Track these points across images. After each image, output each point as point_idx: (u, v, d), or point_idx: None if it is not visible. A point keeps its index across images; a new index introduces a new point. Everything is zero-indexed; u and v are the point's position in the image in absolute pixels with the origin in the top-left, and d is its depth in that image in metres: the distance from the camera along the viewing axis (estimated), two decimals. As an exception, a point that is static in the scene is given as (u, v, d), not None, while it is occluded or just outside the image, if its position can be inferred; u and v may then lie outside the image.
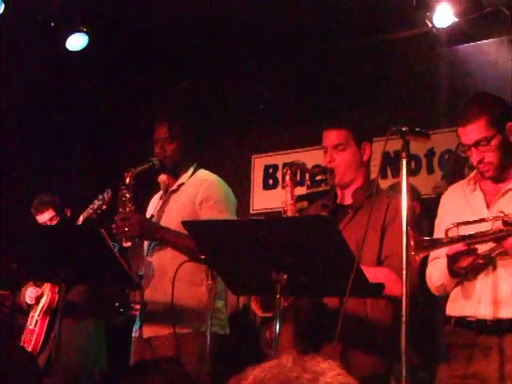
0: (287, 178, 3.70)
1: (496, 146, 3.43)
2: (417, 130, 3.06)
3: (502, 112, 3.49)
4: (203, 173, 4.38)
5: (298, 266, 3.09)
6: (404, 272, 2.90)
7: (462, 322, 3.49)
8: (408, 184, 3.00)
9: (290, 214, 3.61)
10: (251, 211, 6.94)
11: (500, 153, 3.44)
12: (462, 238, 3.30)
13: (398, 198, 3.69)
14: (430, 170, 6.00)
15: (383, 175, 6.16)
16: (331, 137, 3.79)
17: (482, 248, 3.41)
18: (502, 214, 3.28)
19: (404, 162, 2.98)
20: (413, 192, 5.03)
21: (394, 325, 3.21)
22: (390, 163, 6.11)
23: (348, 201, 3.81)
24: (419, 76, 6.23)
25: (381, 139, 3.17)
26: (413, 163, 6.13)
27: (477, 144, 3.43)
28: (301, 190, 5.71)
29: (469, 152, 3.49)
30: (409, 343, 3.88)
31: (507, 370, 3.36)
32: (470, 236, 3.30)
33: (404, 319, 2.86)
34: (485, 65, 5.93)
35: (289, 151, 6.81)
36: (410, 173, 5.99)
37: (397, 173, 6.19)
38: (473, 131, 3.43)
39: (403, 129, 2.98)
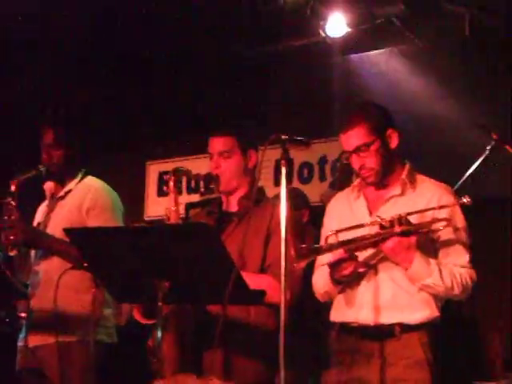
0: (171, 184, 3.68)
1: (376, 152, 3.49)
2: (296, 138, 3.08)
3: (382, 119, 3.56)
4: (91, 180, 4.33)
5: (179, 273, 3.08)
6: (282, 279, 2.93)
7: (346, 328, 3.54)
8: (287, 192, 3.01)
9: (172, 220, 3.59)
10: (145, 218, 6.89)
11: (380, 158, 3.51)
12: (341, 244, 3.35)
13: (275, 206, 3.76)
14: (322, 178, 6.07)
15: (277, 183, 6.20)
16: (217, 144, 3.81)
17: (363, 255, 3.47)
18: (379, 219, 3.34)
19: (283, 169, 2.99)
20: (301, 199, 5.09)
21: (278, 332, 3.23)
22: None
23: (233, 208, 3.83)
24: (312, 85, 6.29)
25: (273, 148, 3.17)
26: (305, 171, 6.21)
27: (357, 150, 3.49)
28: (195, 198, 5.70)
29: (350, 158, 3.55)
30: (295, 350, 3.92)
31: (388, 375, 3.41)
32: (349, 241, 3.35)
33: (282, 325, 2.88)
34: (375, 74, 6.03)
35: (184, 158, 6.79)
36: (304, 181, 6.20)
37: (289, 180, 6.26)
38: (353, 137, 3.49)
39: (282, 137, 3.00)
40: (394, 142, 3.54)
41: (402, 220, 3.33)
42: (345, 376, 3.48)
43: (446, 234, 3.50)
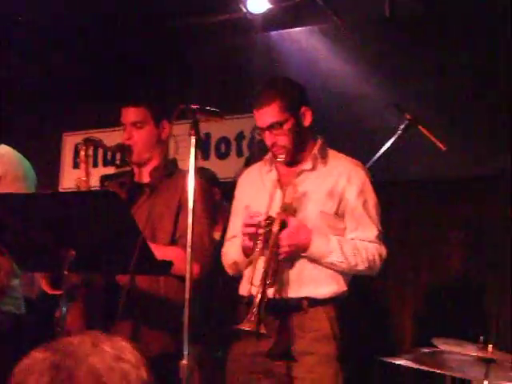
0: (82, 154, 3.64)
1: (289, 131, 3.50)
2: (207, 108, 3.06)
3: (297, 96, 3.56)
4: (3, 148, 4.23)
5: (86, 242, 3.04)
6: (188, 250, 2.91)
7: (253, 301, 3.54)
8: (197, 162, 2.99)
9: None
10: (60, 189, 6.79)
11: (292, 137, 3.51)
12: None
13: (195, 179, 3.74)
14: (240, 154, 6.06)
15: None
16: (129, 114, 3.77)
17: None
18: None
19: (193, 139, 2.97)
20: (211, 178, 5.07)
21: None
22: (201, 145, 6.10)
23: (145, 179, 3.79)
24: (233, 60, 6.27)
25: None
26: (223, 146, 6.20)
27: (270, 127, 3.49)
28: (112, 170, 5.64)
29: (263, 135, 3.55)
30: (206, 322, 3.92)
31: (295, 348, 3.45)
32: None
33: (187, 297, 2.87)
34: (296, 52, 6.03)
35: (102, 130, 6.69)
36: (221, 156, 6.19)
37: (207, 155, 6.25)
38: (266, 114, 3.49)
39: (193, 107, 2.97)
40: (307, 119, 3.56)
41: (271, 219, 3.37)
42: (251, 349, 3.49)
43: (355, 209, 3.54)
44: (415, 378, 5.19)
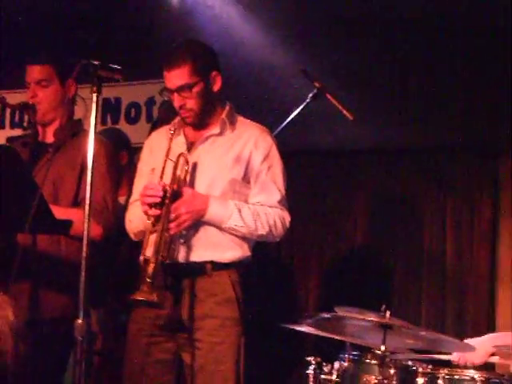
0: (-18, 112, 3.56)
1: (198, 94, 3.48)
2: (110, 65, 3.01)
3: (207, 60, 3.54)
4: None
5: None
6: (86, 212, 2.87)
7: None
8: (97, 119, 2.94)
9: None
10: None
11: (201, 100, 3.50)
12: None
13: (100, 142, 3.68)
14: (150, 119, 6.00)
15: (104, 122, 6.09)
16: (34, 72, 3.71)
17: None
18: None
19: (94, 96, 2.91)
20: (121, 140, 5.01)
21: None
22: (111, 110, 6.07)
23: (49, 139, 3.74)
24: (145, 25, 6.16)
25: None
26: (133, 111, 6.12)
27: (179, 89, 3.46)
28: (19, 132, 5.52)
29: (172, 96, 3.51)
30: (109, 286, 3.88)
31: (197, 312, 3.46)
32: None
33: (84, 257, 2.83)
34: (209, 18, 5.97)
35: (5, 91, 6.53)
36: (131, 121, 6.11)
37: (116, 120, 6.17)
38: (176, 76, 3.46)
39: (95, 63, 2.91)
40: (217, 84, 3.54)
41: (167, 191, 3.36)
42: (154, 312, 3.47)
43: (259, 173, 3.55)
44: (316, 345, 5.27)
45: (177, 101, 3.49)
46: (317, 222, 5.67)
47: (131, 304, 3.47)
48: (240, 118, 3.66)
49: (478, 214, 5.32)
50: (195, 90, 3.47)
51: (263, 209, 3.51)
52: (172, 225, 3.35)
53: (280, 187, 3.58)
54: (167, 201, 3.34)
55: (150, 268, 3.25)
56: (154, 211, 3.33)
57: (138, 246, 3.68)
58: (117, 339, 4.25)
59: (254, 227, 3.47)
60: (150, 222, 3.35)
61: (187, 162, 3.47)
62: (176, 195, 3.38)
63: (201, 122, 3.56)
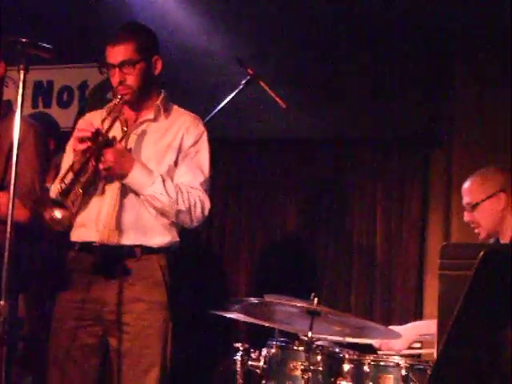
0: None
1: (139, 72, 3.53)
2: (39, 43, 2.97)
3: (152, 43, 3.63)
4: None
5: None
6: (11, 197, 2.84)
7: (86, 247, 3.52)
8: (27, 100, 2.89)
9: None
10: None
11: (141, 79, 3.54)
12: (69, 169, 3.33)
13: (29, 124, 3.64)
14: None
15: (35, 105, 6.00)
16: None
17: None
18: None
19: (21, 75, 2.86)
20: (48, 126, 4.93)
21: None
22: (43, 93, 5.99)
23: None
24: (79, 9, 6.08)
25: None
26: (65, 94, 6.04)
27: (122, 64, 3.50)
28: None
29: (111, 72, 3.53)
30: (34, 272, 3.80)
31: (126, 295, 3.46)
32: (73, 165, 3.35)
33: (8, 241, 2.78)
34: (145, 4, 5.92)
35: None
36: (63, 105, 6.03)
37: (48, 103, 6.08)
38: (120, 52, 3.50)
39: (23, 40, 2.87)
40: (157, 68, 3.61)
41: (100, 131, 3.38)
42: (80, 295, 3.48)
43: (186, 156, 3.59)
44: (247, 331, 5.28)
45: (117, 76, 3.51)
46: (248, 209, 5.68)
47: (64, 283, 3.50)
48: (175, 107, 3.71)
49: (408, 205, 5.38)
50: (137, 67, 3.52)
51: (186, 187, 3.54)
52: (95, 162, 3.35)
53: (205, 172, 3.62)
54: (98, 139, 3.34)
55: (63, 186, 3.24)
56: (82, 145, 3.32)
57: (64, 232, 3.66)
58: (42, 325, 4.19)
59: (174, 199, 3.47)
60: (76, 158, 3.35)
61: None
62: (108, 143, 3.39)
63: (137, 102, 3.58)
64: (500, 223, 3.79)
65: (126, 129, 3.53)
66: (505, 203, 3.78)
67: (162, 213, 3.49)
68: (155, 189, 3.45)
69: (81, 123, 3.42)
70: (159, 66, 3.61)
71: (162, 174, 3.51)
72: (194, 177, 3.58)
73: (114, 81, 3.54)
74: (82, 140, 3.34)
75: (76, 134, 3.40)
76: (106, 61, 3.55)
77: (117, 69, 3.50)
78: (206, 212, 3.58)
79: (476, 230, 3.86)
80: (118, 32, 3.57)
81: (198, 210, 3.54)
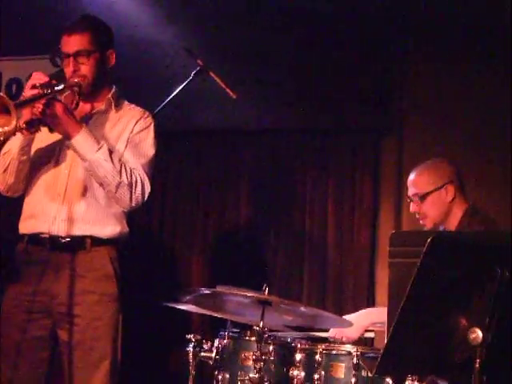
0: None
1: (94, 62, 3.57)
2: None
3: (107, 36, 3.70)
4: None
5: None
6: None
7: (36, 239, 3.51)
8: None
9: None
10: None
11: (95, 70, 3.58)
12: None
13: None
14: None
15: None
16: None
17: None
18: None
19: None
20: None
21: None
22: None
23: None
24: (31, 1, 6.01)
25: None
26: (14, 86, 5.96)
27: (77, 54, 3.53)
28: None
29: (65, 62, 3.56)
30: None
31: (76, 287, 3.46)
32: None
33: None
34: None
35: None
36: (12, 97, 5.91)
37: (10, 97, 5.96)
38: (76, 41, 3.55)
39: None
40: (110, 62, 3.68)
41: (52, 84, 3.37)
42: (31, 288, 3.47)
43: (131, 142, 3.62)
44: (199, 323, 5.28)
45: (71, 65, 3.54)
46: (200, 200, 5.67)
47: (13, 274, 3.50)
48: (125, 102, 3.75)
49: (360, 195, 5.41)
50: (92, 58, 3.56)
51: (129, 165, 3.54)
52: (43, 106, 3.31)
53: (147, 157, 3.62)
54: (50, 90, 3.32)
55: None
56: (33, 90, 3.29)
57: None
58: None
59: (118, 169, 3.46)
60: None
61: None
62: (58, 99, 3.40)
63: (89, 94, 3.60)
64: (446, 214, 3.85)
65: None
66: (452, 195, 3.84)
67: (102, 183, 3.46)
68: (101, 155, 3.43)
69: (34, 74, 3.38)
70: (113, 59, 3.68)
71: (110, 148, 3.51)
72: (137, 159, 3.58)
73: (68, 70, 3.56)
74: (33, 87, 3.31)
75: (29, 82, 3.35)
76: (60, 50, 3.57)
77: (71, 58, 3.53)
78: (146, 195, 3.57)
79: (421, 222, 3.91)
80: (74, 22, 3.62)
81: (139, 189, 3.53)
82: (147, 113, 3.74)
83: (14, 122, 3.13)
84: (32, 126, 3.34)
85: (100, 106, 3.65)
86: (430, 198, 3.85)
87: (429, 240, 2.16)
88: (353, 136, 5.48)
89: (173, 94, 4.39)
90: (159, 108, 4.32)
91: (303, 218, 5.47)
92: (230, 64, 5.23)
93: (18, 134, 3.37)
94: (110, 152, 3.47)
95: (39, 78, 3.34)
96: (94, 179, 3.48)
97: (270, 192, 5.57)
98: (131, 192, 3.50)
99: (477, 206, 3.89)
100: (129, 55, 5.37)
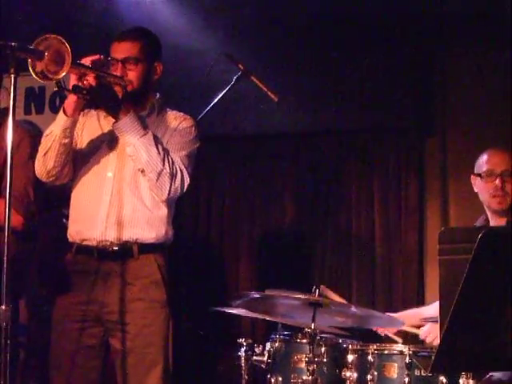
0: None
1: (141, 70, 3.60)
2: (28, 47, 2.98)
3: (156, 48, 3.75)
4: None
5: None
6: (7, 202, 2.82)
7: (84, 248, 3.54)
8: (15, 101, 2.86)
9: None
10: None
11: (141, 77, 3.61)
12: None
13: (23, 130, 3.68)
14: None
15: (27, 111, 5.99)
16: None
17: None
18: None
19: (12, 77, 2.84)
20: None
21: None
22: (35, 99, 5.98)
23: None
24: (67, 11, 6.06)
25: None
26: (57, 100, 6.00)
27: (126, 60, 3.57)
28: None
29: (114, 67, 3.57)
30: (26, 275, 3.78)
31: (125, 295, 3.48)
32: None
33: (6, 250, 2.76)
34: (134, 4, 5.90)
35: None
36: (55, 110, 6.00)
37: (41, 109, 6.06)
38: (126, 48, 3.60)
39: (12, 44, 2.85)
40: (157, 74, 3.71)
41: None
42: (82, 298, 3.49)
43: (173, 137, 3.63)
44: (250, 327, 5.29)
45: (119, 70, 3.57)
46: (245, 205, 5.68)
47: (63, 286, 3.51)
48: (168, 109, 3.77)
49: (405, 195, 5.39)
50: (140, 66, 3.60)
51: (171, 157, 3.56)
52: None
53: (187, 152, 3.63)
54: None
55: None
56: (92, 57, 3.37)
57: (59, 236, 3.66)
58: (42, 330, 4.19)
59: (162, 157, 3.48)
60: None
61: None
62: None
63: (133, 101, 3.60)
64: None
65: None
66: None
67: (145, 169, 3.48)
68: (146, 139, 3.47)
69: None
70: (159, 71, 3.71)
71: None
72: (177, 152, 3.60)
73: (115, 72, 3.58)
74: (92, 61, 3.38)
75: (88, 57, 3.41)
76: (109, 56, 3.58)
77: (120, 64, 3.57)
78: (185, 187, 3.58)
79: (498, 200, 3.87)
80: (127, 30, 3.70)
81: (178, 180, 3.53)
82: (189, 116, 3.77)
83: (62, 74, 3.17)
84: (77, 92, 3.39)
85: (144, 111, 3.67)
86: None
87: (480, 235, 2.15)
88: (397, 136, 5.46)
89: (215, 100, 4.39)
90: (203, 114, 4.32)
91: (350, 220, 5.46)
92: (270, 68, 5.24)
93: (62, 116, 3.45)
94: (156, 140, 3.50)
95: (97, 57, 3.40)
96: (136, 163, 3.49)
97: (315, 194, 5.56)
98: (171, 182, 3.50)
99: None
100: (170, 64, 5.42)
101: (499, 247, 2.21)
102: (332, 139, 5.59)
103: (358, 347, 3.66)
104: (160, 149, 3.48)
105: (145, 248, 3.51)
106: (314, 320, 3.52)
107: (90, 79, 3.34)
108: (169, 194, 3.52)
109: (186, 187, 3.57)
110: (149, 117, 3.67)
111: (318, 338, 3.59)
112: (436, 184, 5.38)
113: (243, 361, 3.75)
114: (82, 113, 3.66)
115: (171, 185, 3.50)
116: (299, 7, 5.45)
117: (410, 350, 3.51)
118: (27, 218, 3.62)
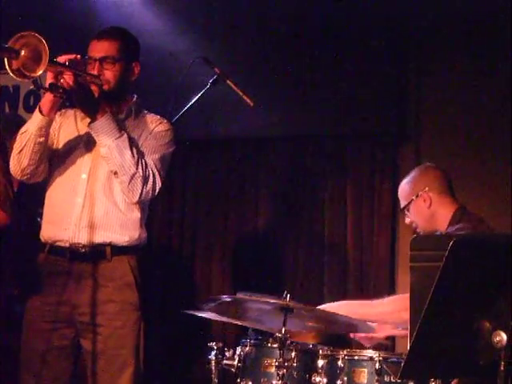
0: None
1: (118, 69, 3.60)
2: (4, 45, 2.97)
3: (134, 48, 3.75)
4: None
5: None
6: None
7: (56, 249, 3.54)
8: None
9: None
10: None
11: (118, 77, 3.61)
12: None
13: None
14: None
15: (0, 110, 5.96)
16: None
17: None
18: None
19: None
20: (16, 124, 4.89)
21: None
22: (9, 98, 5.96)
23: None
24: (45, 12, 6.03)
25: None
26: (32, 99, 5.99)
27: (103, 59, 3.57)
28: None
29: (91, 66, 3.57)
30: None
31: (98, 297, 3.49)
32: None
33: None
34: (111, 6, 5.90)
35: None
36: (29, 109, 5.98)
37: (15, 109, 6.04)
38: (104, 47, 3.60)
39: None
40: (134, 75, 3.72)
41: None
42: (54, 298, 3.50)
43: (147, 139, 3.64)
44: (221, 330, 5.28)
45: (96, 69, 3.56)
46: (219, 208, 5.68)
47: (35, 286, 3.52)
48: (145, 111, 3.77)
49: (379, 200, 5.40)
50: (117, 65, 3.60)
51: (144, 160, 3.56)
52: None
53: (160, 155, 3.64)
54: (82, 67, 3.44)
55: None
56: (67, 56, 3.36)
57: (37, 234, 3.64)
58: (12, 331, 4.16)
59: (135, 160, 3.48)
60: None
61: None
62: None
63: (110, 102, 3.60)
64: (432, 220, 3.88)
65: None
66: (430, 200, 3.86)
67: (118, 172, 3.48)
68: (121, 142, 3.47)
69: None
70: (137, 71, 3.71)
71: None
72: (150, 155, 3.60)
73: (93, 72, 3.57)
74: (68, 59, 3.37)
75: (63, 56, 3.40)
76: (87, 55, 3.58)
77: (97, 63, 3.56)
78: (157, 190, 3.59)
79: (417, 230, 3.94)
80: (105, 29, 3.69)
81: (150, 183, 3.54)
82: (165, 119, 3.78)
83: (39, 72, 3.16)
84: (54, 90, 3.37)
85: (122, 114, 3.67)
86: (412, 208, 3.92)
87: (451, 243, 2.17)
88: (371, 142, 5.48)
89: (190, 103, 4.40)
90: (177, 116, 4.32)
91: (323, 224, 5.47)
92: (246, 72, 5.25)
93: (37, 114, 3.43)
94: (131, 142, 3.50)
95: (73, 56, 3.39)
96: (110, 165, 3.49)
97: (289, 198, 5.58)
98: (143, 185, 3.51)
99: (465, 207, 3.89)
100: (146, 65, 5.42)
101: (470, 255, 2.23)
102: (305, 144, 5.60)
103: (328, 352, 3.65)
104: (134, 152, 3.48)
105: (118, 250, 3.52)
106: (284, 324, 3.52)
107: (67, 78, 3.33)
108: (140, 197, 3.53)
109: (157, 190, 3.58)
110: (126, 119, 3.67)
111: (289, 342, 3.59)
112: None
113: (213, 364, 3.74)
114: (59, 112, 3.65)
115: (143, 188, 3.51)
116: (275, 12, 5.47)
117: (380, 356, 3.51)
118: (11, 216, 3.64)
